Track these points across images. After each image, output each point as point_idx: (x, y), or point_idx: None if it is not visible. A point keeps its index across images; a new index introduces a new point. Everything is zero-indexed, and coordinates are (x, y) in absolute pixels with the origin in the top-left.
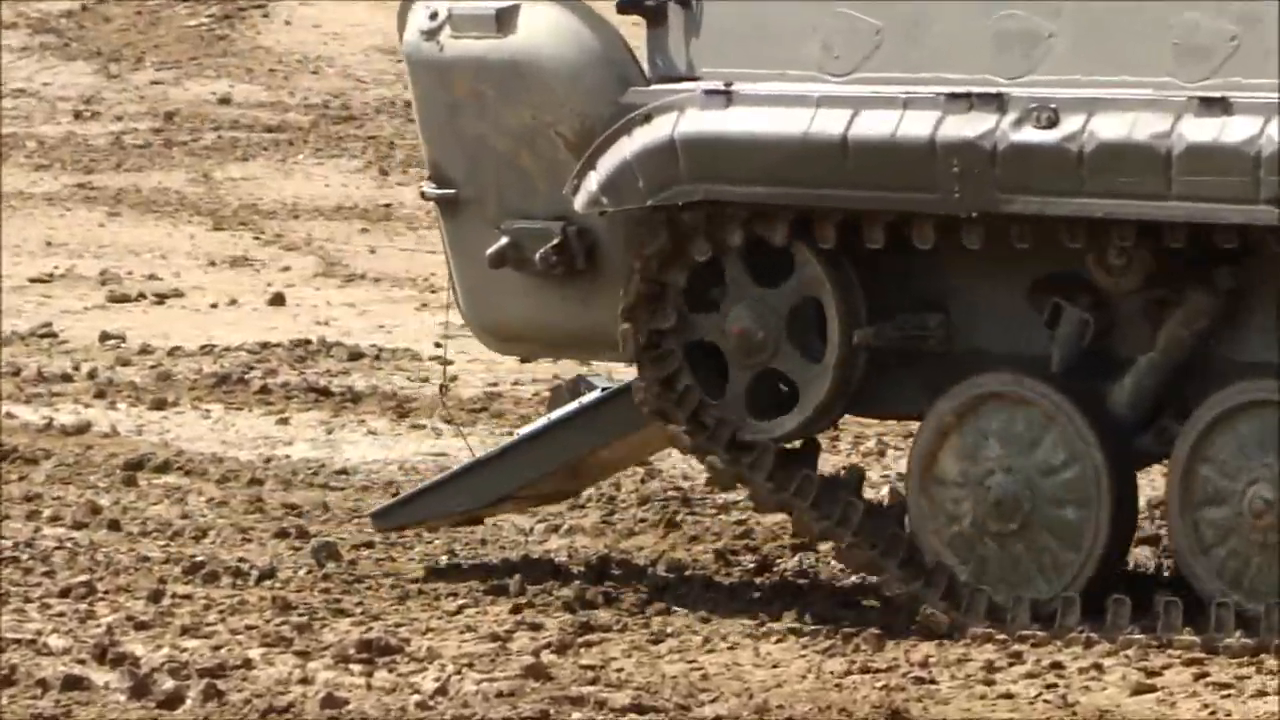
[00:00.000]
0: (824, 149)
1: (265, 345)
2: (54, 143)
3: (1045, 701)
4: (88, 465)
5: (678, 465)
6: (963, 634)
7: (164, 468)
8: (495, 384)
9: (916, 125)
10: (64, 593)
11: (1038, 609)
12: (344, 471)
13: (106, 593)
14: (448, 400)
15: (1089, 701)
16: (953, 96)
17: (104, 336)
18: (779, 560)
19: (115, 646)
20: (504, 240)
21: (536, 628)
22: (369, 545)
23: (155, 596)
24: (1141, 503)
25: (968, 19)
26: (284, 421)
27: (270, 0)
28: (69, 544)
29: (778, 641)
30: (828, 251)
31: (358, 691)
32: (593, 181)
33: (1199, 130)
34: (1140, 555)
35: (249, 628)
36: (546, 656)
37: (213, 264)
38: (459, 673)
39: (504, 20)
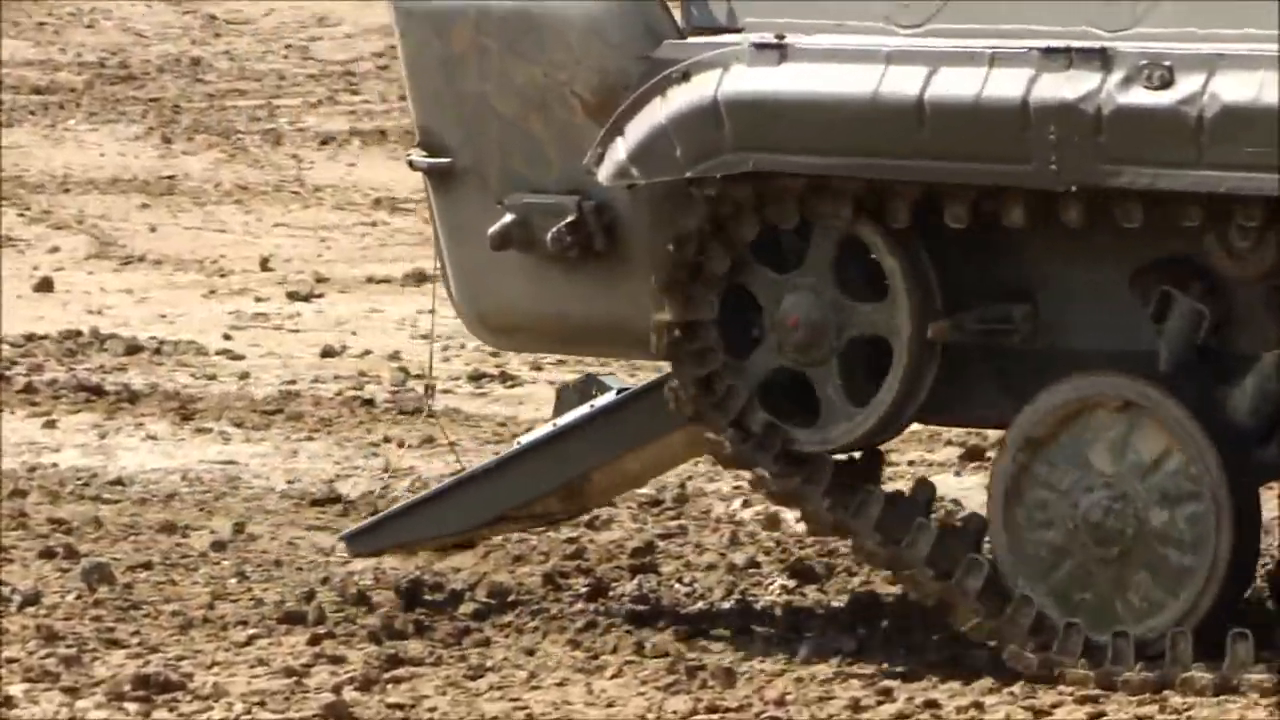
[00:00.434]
0: (897, 113)
1: (30, 338)
2: None
3: None
4: None
5: None
6: (1057, 676)
7: None
8: (293, 381)
9: (1005, 85)
10: None
11: (1142, 646)
12: (119, 482)
13: None
14: (433, 403)
15: None
16: (1048, 52)
17: None
18: (615, 584)
19: None
20: (508, 218)
21: (338, 661)
22: (147, 566)
23: None
24: None
25: None
26: (51, 425)
27: None
28: None
29: (613, 677)
30: (898, 232)
31: None
32: (620, 150)
33: None
34: None
35: (9, 661)
36: (349, 694)
37: None
38: (249, 712)
39: None
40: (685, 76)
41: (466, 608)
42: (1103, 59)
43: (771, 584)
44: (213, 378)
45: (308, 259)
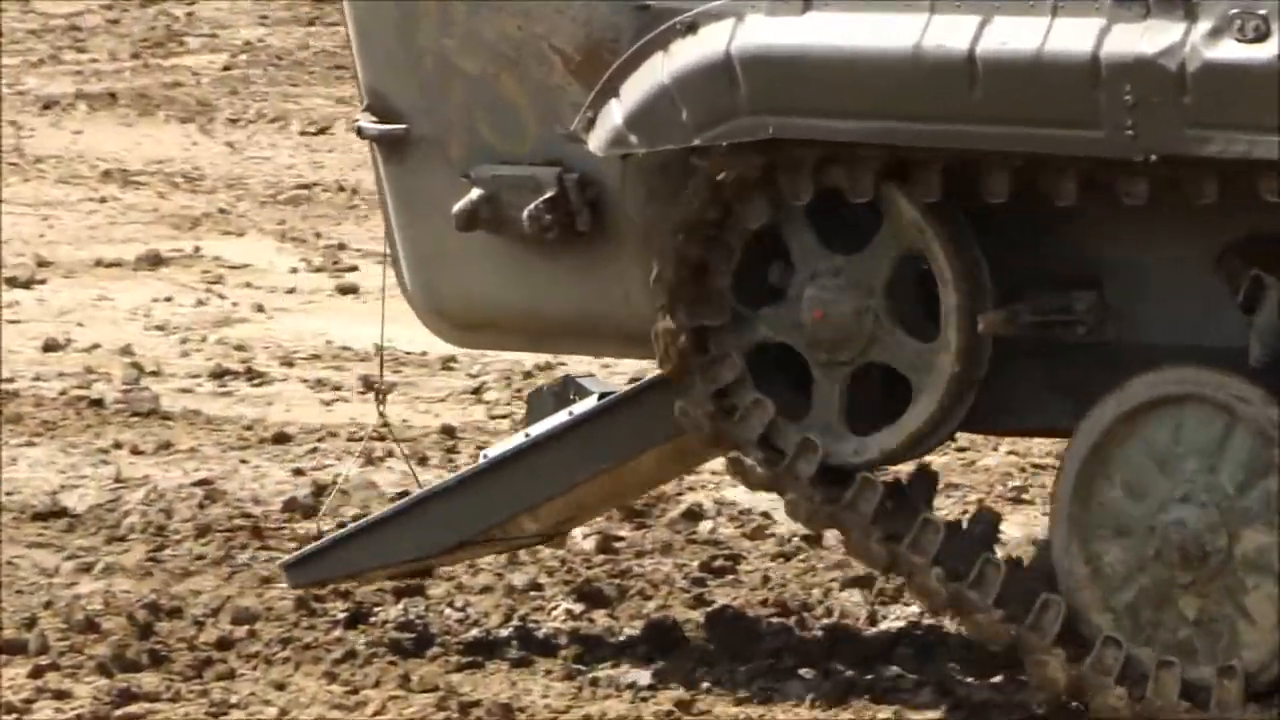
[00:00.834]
0: (943, 70)
1: None
2: None
3: None
4: None
5: (246, 485)
6: None
7: None
8: (11, 379)
9: (1073, 38)
10: None
11: (1250, 685)
12: None
13: None
14: (384, 410)
15: None
16: None
17: None
18: (377, 608)
19: None
20: (475, 193)
21: (63, 696)
22: None
23: None
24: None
25: None
26: None
27: None
28: None
29: (375, 714)
30: (937, 207)
31: None
32: (615, 114)
33: None
34: (848, 600)
35: None
36: None
37: None
38: None
39: None
40: (692, 28)
41: (209, 635)
42: (1186, 7)
43: (555, 608)
44: None
45: (28, 240)
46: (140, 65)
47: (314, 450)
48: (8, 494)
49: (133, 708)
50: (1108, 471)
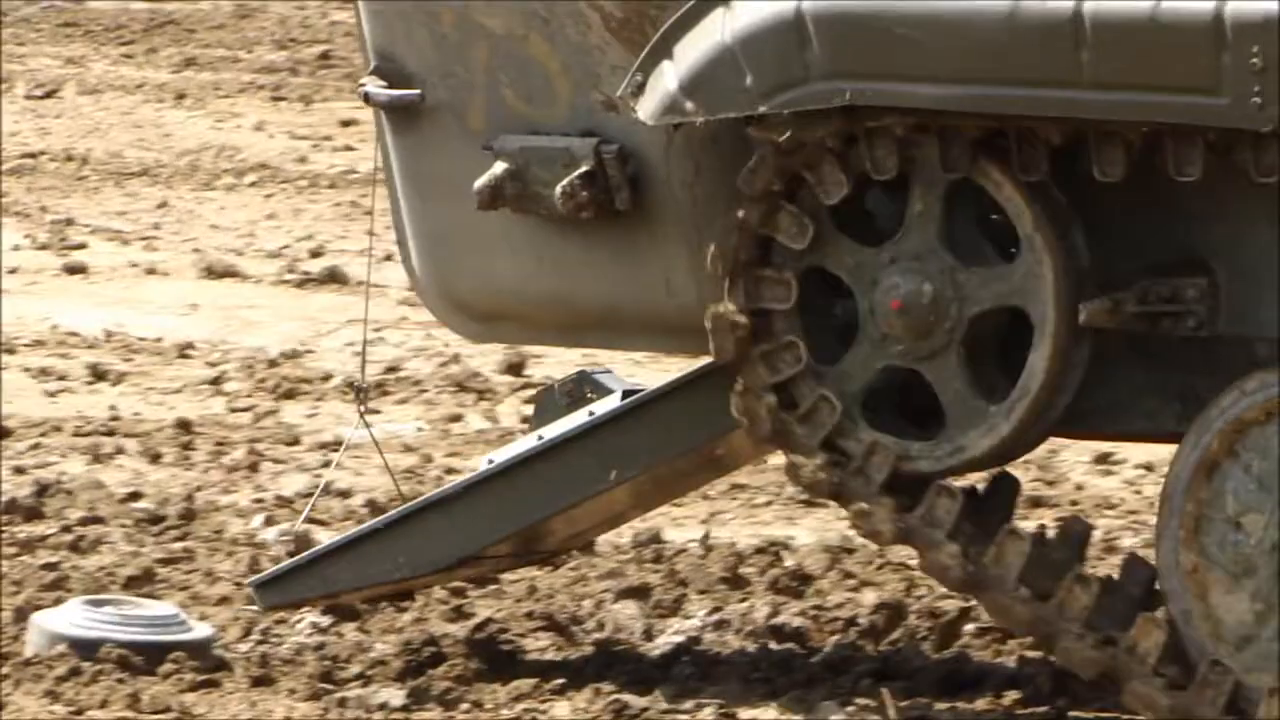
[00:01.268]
0: (1046, 30)
1: None
2: None
3: None
4: None
5: None
6: None
7: None
8: None
9: None
10: None
11: None
12: None
13: None
14: (364, 408)
15: None
16: None
17: None
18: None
19: None
20: (500, 167)
21: None
22: None
23: None
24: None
25: None
26: None
27: None
28: None
29: None
30: (1034, 185)
31: None
32: (669, 79)
33: None
34: (622, 613)
35: None
36: None
37: None
38: None
39: None
40: None
41: None
42: None
43: (300, 622)
44: None
45: None
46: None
47: (36, 446)
48: None
49: None
50: (1218, 480)
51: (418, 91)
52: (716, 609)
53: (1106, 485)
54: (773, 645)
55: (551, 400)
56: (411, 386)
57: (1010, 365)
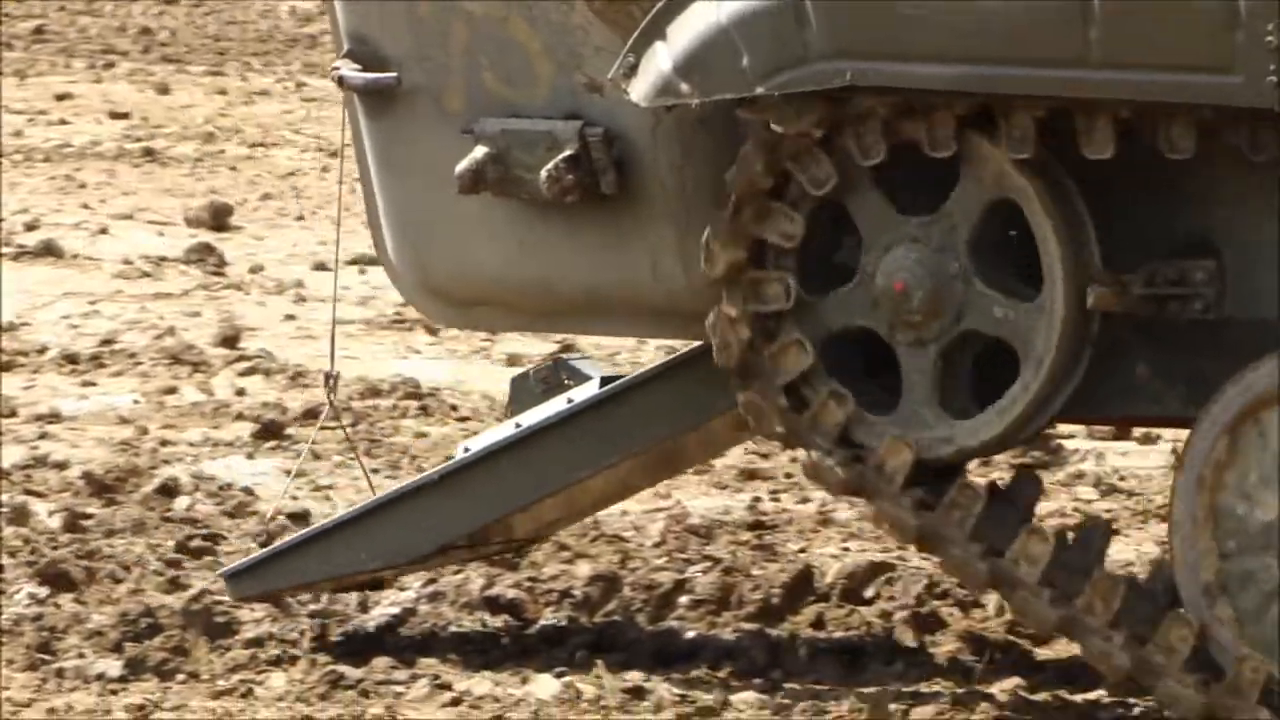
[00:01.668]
0: (1054, 9)
1: None
2: None
3: None
4: None
5: None
6: None
7: None
8: None
9: None
10: None
11: None
12: None
13: None
14: (335, 397)
15: None
16: None
17: None
18: None
19: None
20: (480, 151)
21: None
22: None
23: None
24: None
25: None
26: None
27: None
28: None
29: None
30: (1034, 161)
31: None
32: (662, 59)
33: None
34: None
35: None
36: None
37: None
38: None
39: None
40: None
41: None
42: None
43: (18, 592)
44: None
45: None
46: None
47: None
48: None
49: None
50: (1232, 471)
51: (394, 75)
52: (431, 581)
53: None
54: (488, 617)
55: (526, 387)
56: (127, 359)
57: (980, 388)
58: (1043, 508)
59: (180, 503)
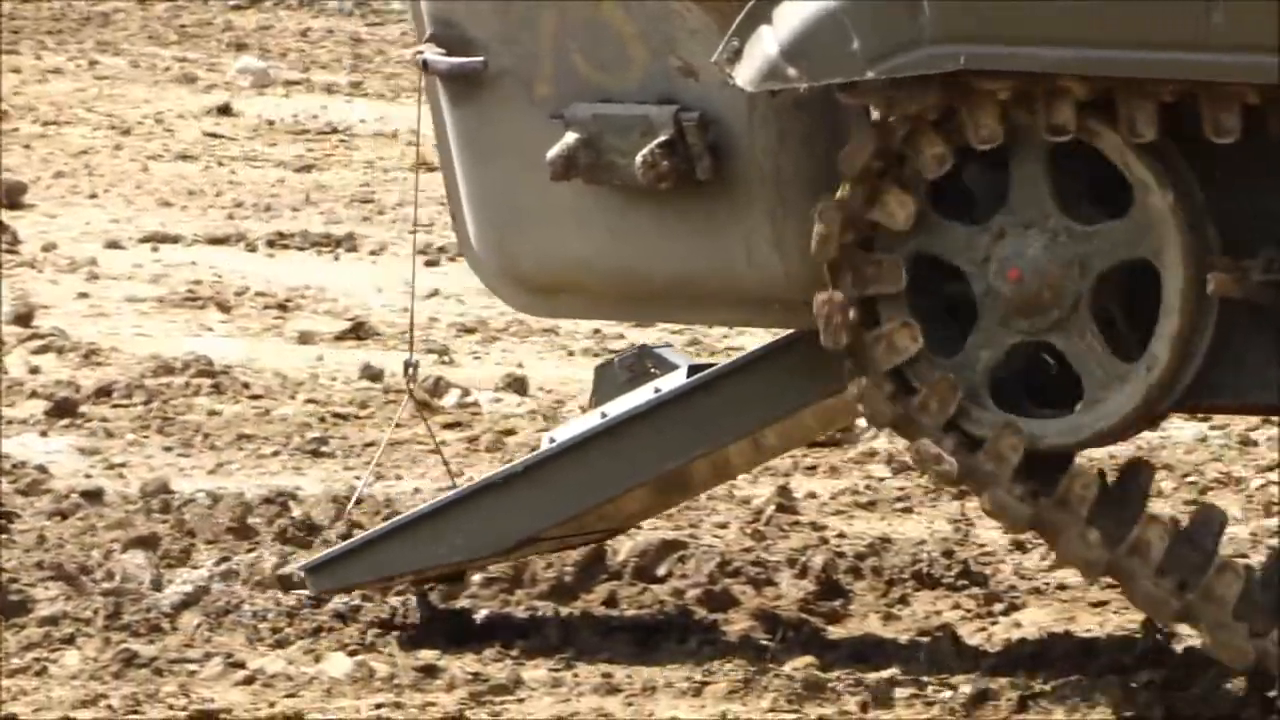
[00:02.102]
0: None
1: None
2: None
3: None
4: None
5: None
6: None
7: None
8: None
9: None
10: None
11: None
12: None
13: None
14: (414, 386)
15: None
16: None
17: None
18: None
19: None
20: (572, 137)
21: None
22: None
23: None
24: None
25: None
26: None
27: None
28: None
29: None
30: (1152, 147)
31: None
32: (768, 43)
33: None
34: (130, 562)
35: None
36: None
37: None
38: None
39: None
40: None
41: None
42: None
43: None
44: None
45: None
46: None
47: None
48: None
49: None
50: None
51: (480, 59)
52: (224, 559)
53: None
54: (281, 595)
55: (611, 375)
56: None
57: (1139, 325)
58: (836, 485)
59: None
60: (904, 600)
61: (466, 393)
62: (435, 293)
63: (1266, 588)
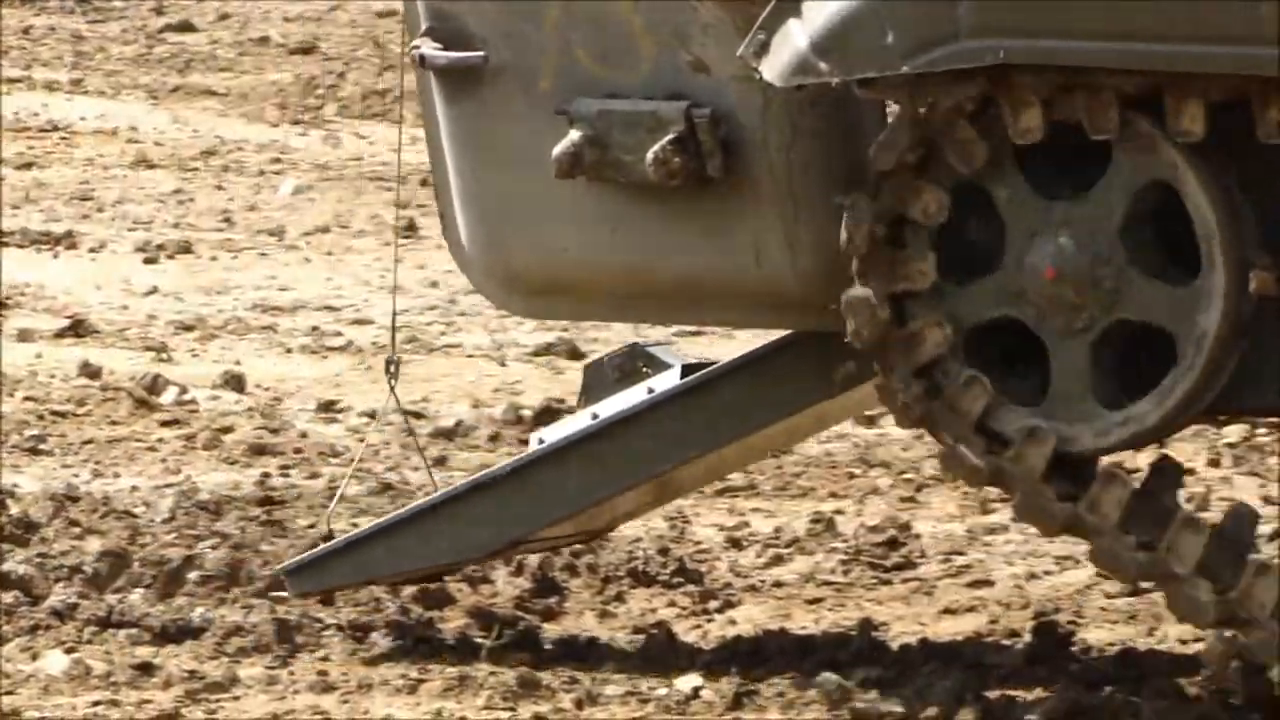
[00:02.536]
0: None
1: None
2: None
3: None
4: None
5: None
6: None
7: None
8: None
9: None
10: None
11: None
12: None
13: None
14: (395, 385)
15: None
16: None
17: None
18: None
19: None
20: (576, 133)
21: None
22: None
23: None
24: None
25: None
26: None
27: None
28: None
29: None
30: (1196, 144)
31: None
32: (798, 37)
33: None
34: None
35: None
36: None
37: None
38: None
39: None
40: None
41: None
42: None
43: None
44: None
45: None
46: None
47: None
48: None
49: None
50: None
51: (481, 54)
52: None
53: (331, 433)
54: None
55: (601, 375)
56: None
57: (1126, 378)
58: None
59: None
60: (620, 598)
61: (184, 390)
62: (154, 290)
63: None
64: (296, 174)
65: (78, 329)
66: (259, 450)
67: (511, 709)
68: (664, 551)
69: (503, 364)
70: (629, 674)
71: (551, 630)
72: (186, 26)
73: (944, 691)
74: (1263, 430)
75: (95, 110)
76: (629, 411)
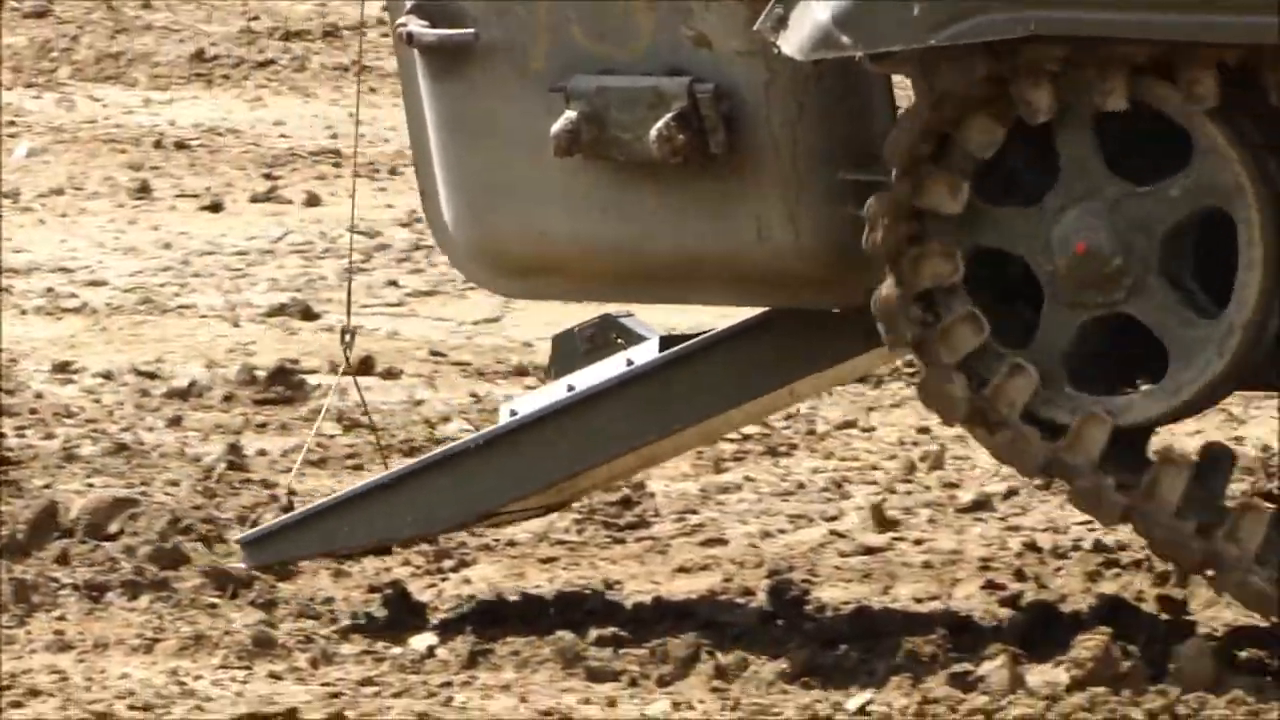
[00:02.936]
0: None
1: None
2: None
3: None
4: None
5: None
6: None
7: None
8: None
9: None
10: None
11: None
12: None
13: None
14: (351, 354)
15: None
16: None
17: None
18: None
19: None
20: (573, 112)
21: None
22: None
23: None
24: None
25: None
26: None
27: None
28: None
29: None
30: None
31: None
32: (818, 10)
33: None
34: None
35: None
36: None
37: None
38: None
39: None
40: None
41: None
42: None
43: None
44: None
45: None
46: None
47: None
48: None
49: None
50: None
51: (470, 31)
52: None
53: (66, 394)
54: None
55: (571, 345)
56: None
57: (1210, 280)
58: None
59: None
60: (353, 557)
61: None
62: None
63: None
64: (31, 136)
65: None
66: None
67: (247, 667)
68: None
69: (236, 324)
70: (364, 633)
71: (286, 589)
72: None
73: (679, 649)
74: None
75: None
76: (608, 383)
